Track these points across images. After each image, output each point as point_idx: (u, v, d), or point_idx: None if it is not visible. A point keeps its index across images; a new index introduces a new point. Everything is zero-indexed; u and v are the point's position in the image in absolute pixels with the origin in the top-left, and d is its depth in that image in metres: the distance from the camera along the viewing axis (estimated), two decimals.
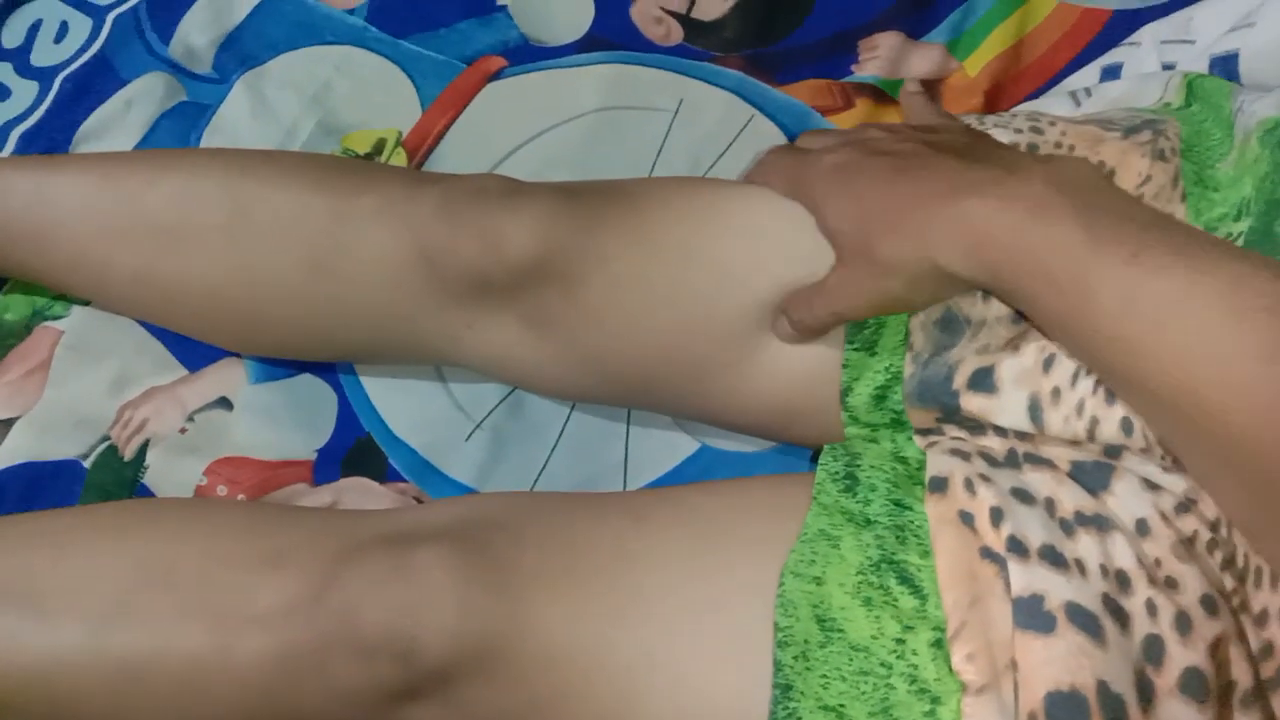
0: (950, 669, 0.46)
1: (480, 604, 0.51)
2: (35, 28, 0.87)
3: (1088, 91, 0.70)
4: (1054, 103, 0.73)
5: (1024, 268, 0.47)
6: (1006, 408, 0.52)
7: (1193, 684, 0.44)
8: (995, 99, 0.81)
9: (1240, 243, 0.52)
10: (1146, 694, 0.44)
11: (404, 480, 0.72)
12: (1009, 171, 0.49)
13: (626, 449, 0.73)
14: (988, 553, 0.48)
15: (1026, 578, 0.46)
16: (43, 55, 0.86)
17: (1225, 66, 0.68)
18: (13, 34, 0.87)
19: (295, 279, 0.64)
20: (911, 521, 0.50)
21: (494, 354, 0.65)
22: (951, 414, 0.54)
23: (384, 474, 0.72)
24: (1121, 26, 0.80)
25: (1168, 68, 0.74)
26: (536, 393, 0.71)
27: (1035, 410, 0.51)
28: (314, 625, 0.52)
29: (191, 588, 0.54)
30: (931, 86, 0.82)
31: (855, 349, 0.58)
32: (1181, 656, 0.45)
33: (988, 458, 0.52)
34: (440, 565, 0.52)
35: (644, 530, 0.53)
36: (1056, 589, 0.45)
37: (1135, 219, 0.46)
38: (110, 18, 0.87)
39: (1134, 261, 0.43)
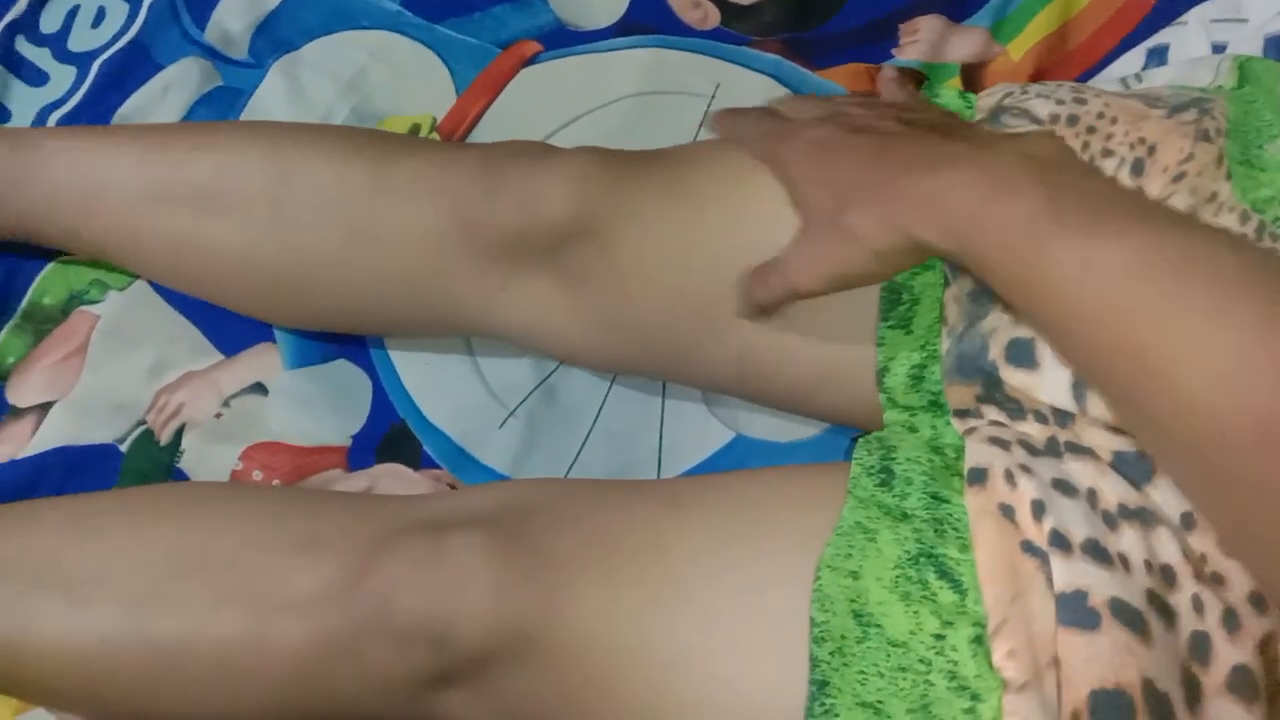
0: (991, 665, 0.45)
1: (516, 590, 0.51)
2: (73, 13, 0.88)
3: (1138, 78, 0.69)
4: (1102, 88, 0.72)
5: (988, 237, 0.46)
6: (1047, 385, 0.51)
7: (1241, 683, 0.43)
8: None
9: None
10: (1194, 692, 0.44)
11: (438, 467, 0.72)
12: (981, 146, 0.49)
13: (661, 437, 0.72)
14: (1029, 547, 0.47)
15: (1069, 573, 0.45)
16: (80, 40, 0.87)
17: None
18: (51, 19, 0.87)
19: (333, 243, 0.65)
20: (950, 514, 0.49)
21: (528, 318, 0.65)
22: (992, 389, 0.53)
23: (418, 460, 0.72)
24: (1169, 8, 0.78)
25: (1219, 48, 0.72)
26: (568, 360, 0.71)
27: (1079, 389, 0.50)
28: (350, 611, 0.52)
29: (227, 573, 0.54)
30: (974, 71, 0.81)
31: (890, 326, 0.57)
32: (1229, 654, 0.44)
33: (1027, 446, 0.51)
34: (476, 551, 0.52)
35: (680, 518, 0.53)
36: (1100, 585, 0.45)
37: (1097, 192, 0.45)
38: (147, 3, 0.87)
39: (1091, 230, 0.43)
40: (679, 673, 0.50)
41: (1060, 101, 0.60)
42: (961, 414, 0.55)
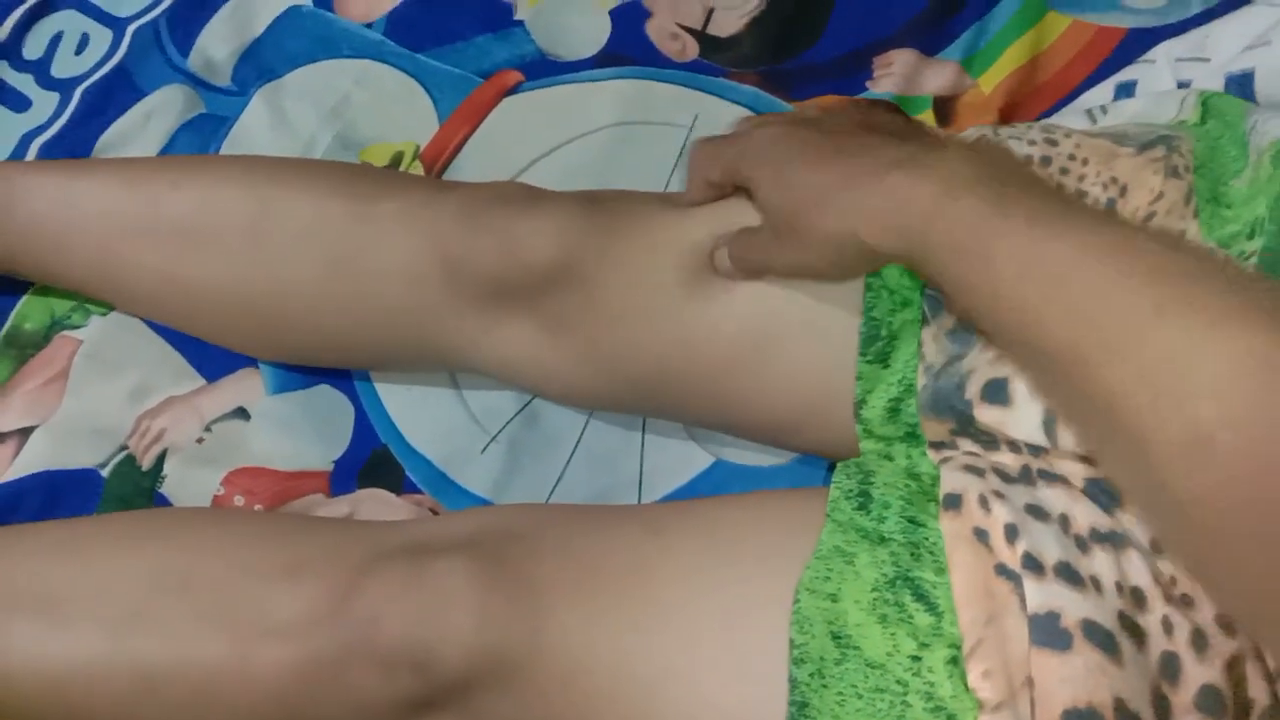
0: (966, 686, 0.46)
1: (499, 615, 0.51)
2: (56, 39, 0.88)
3: (1103, 109, 0.70)
4: (1069, 120, 0.74)
5: (935, 238, 0.47)
6: (1020, 421, 0.52)
7: (1209, 702, 0.44)
8: (1010, 116, 0.81)
9: (1254, 261, 0.52)
10: (1163, 712, 0.45)
11: (420, 492, 0.72)
12: (926, 148, 0.50)
13: (642, 462, 0.73)
14: (1003, 570, 0.48)
15: (1042, 595, 0.46)
16: (63, 67, 0.87)
17: (1241, 85, 0.69)
18: (34, 45, 0.87)
19: (315, 281, 0.65)
20: (926, 538, 0.50)
21: (511, 359, 0.65)
22: (966, 425, 0.54)
23: (400, 485, 0.72)
24: (1137, 45, 0.80)
25: (1183, 85, 0.74)
26: (552, 399, 0.72)
27: (1049, 425, 0.51)
28: (334, 636, 0.52)
29: (210, 597, 0.55)
30: (946, 104, 0.83)
31: (868, 361, 0.58)
32: (1198, 674, 0.45)
33: (1001, 474, 0.52)
34: (459, 576, 0.52)
35: (661, 544, 0.54)
36: (1073, 606, 0.46)
37: (1040, 194, 0.46)
38: (130, 30, 0.88)
39: (1034, 227, 0.44)
40: (661, 696, 0.50)
41: (1032, 143, 0.61)
42: (936, 446, 0.56)
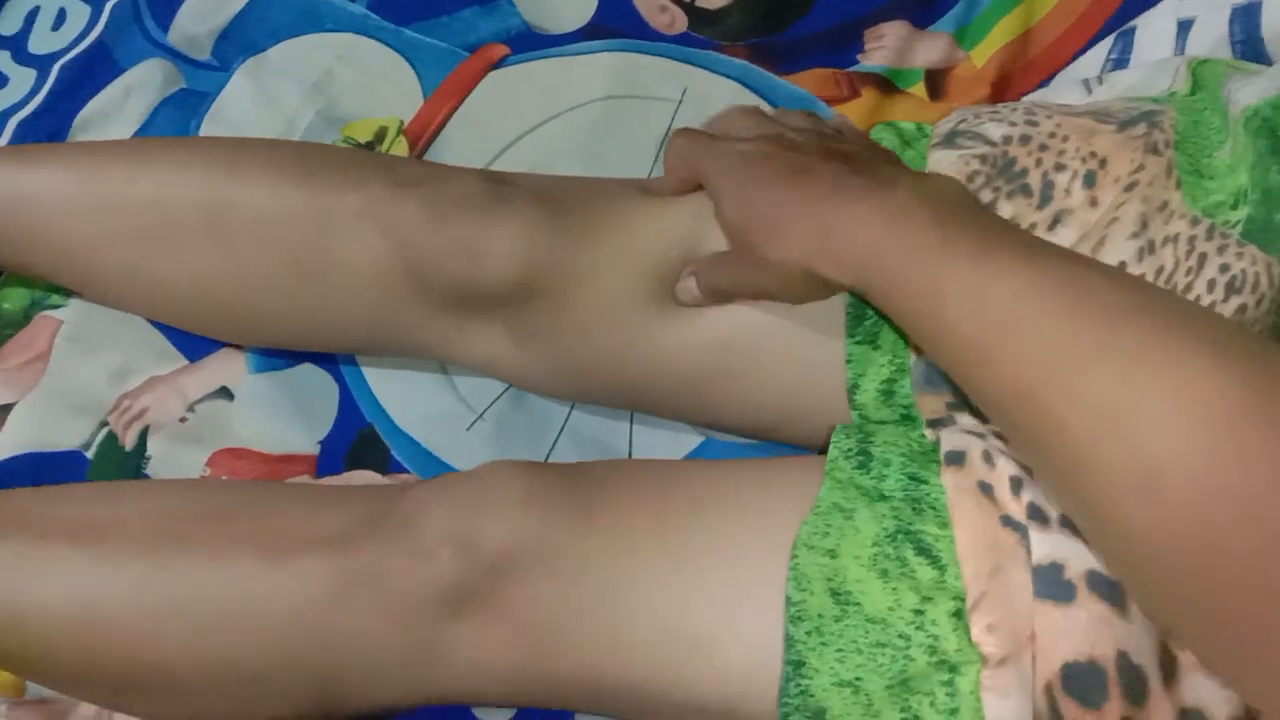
0: (970, 640, 0.45)
1: (543, 504, 0.52)
2: (33, 14, 0.87)
3: (1100, 79, 0.70)
4: (1065, 90, 0.73)
5: (883, 272, 0.48)
6: None
7: None
8: (1003, 89, 0.80)
9: (1238, 231, 0.52)
10: (1169, 667, 0.44)
11: (406, 472, 0.71)
12: (879, 183, 0.50)
13: (630, 441, 0.72)
14: (1009, 521, 0.47)
15: (1047, 545, 0.45)
16: (40, 42, 0.86)
17: (1246, 17, 0.67)
18: (10, 21, 0.86)
19: (282, 279, 0.64)
20: (928, 494, 0.49)
21: (485, 358, 0.64)
22: (963, 395, 0.53)
23: (386, 466, 0.71)
24: (1129, 15, 0.80)
25: (1185, 23, 0.73)
26: (531, 391, 0.71)
27: None
28: (375, 537, 0.52)
29: (248, 520, 0.54)
30: (938, 76, 0.82)
31: (858, 342, 0.57)
32: None
33: (1001, 437, 0.51)
34: (507, 468, 0.54)
35: (690, 490, 0.53)
36: (1077, 557, 0.45)
37: (987, 230, 0.47)
38: (109, 5, 0.87)
39: (980, 265, 0.44)
40: (679, 645, 0.50)
41: (1013, 124, 0.61)
42: (934, 423, 0.55)
